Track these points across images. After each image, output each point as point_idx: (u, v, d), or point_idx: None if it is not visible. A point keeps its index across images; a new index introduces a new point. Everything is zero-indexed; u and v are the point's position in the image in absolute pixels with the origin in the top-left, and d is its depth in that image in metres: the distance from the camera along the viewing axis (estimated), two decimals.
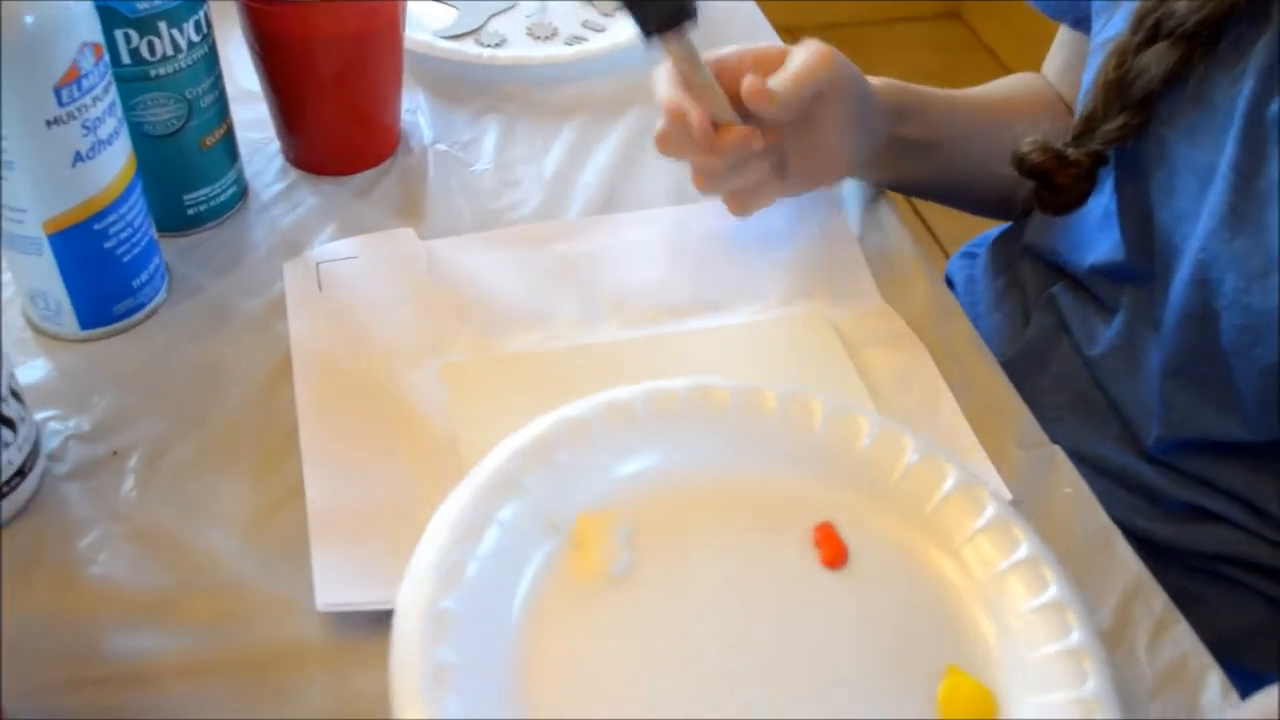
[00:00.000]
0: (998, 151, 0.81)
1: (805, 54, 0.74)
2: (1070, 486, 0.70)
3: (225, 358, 0.74)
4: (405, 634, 0.52)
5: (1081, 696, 0.54)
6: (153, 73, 0.73)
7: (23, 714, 0.57)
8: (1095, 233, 0.81)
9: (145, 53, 0.72)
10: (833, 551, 0.58)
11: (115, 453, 0.69)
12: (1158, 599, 0.65)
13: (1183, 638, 0.64)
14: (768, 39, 1.02)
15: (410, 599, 0.53)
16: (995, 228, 0.99)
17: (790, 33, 2.98)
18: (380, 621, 0.61)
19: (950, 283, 1.00)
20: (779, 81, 0.72)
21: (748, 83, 0.71)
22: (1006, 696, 0.55)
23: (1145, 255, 0.76)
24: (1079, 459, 0.78)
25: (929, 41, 2.67)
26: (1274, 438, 0.73)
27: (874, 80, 0.80)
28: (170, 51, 0.73)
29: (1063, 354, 0.84)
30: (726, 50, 0.76)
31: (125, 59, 0.72)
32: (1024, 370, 0.84)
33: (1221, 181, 0.69)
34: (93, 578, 0.63)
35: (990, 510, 0.60)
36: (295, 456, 0.68)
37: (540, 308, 0.77)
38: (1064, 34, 0.91)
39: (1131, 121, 0.74)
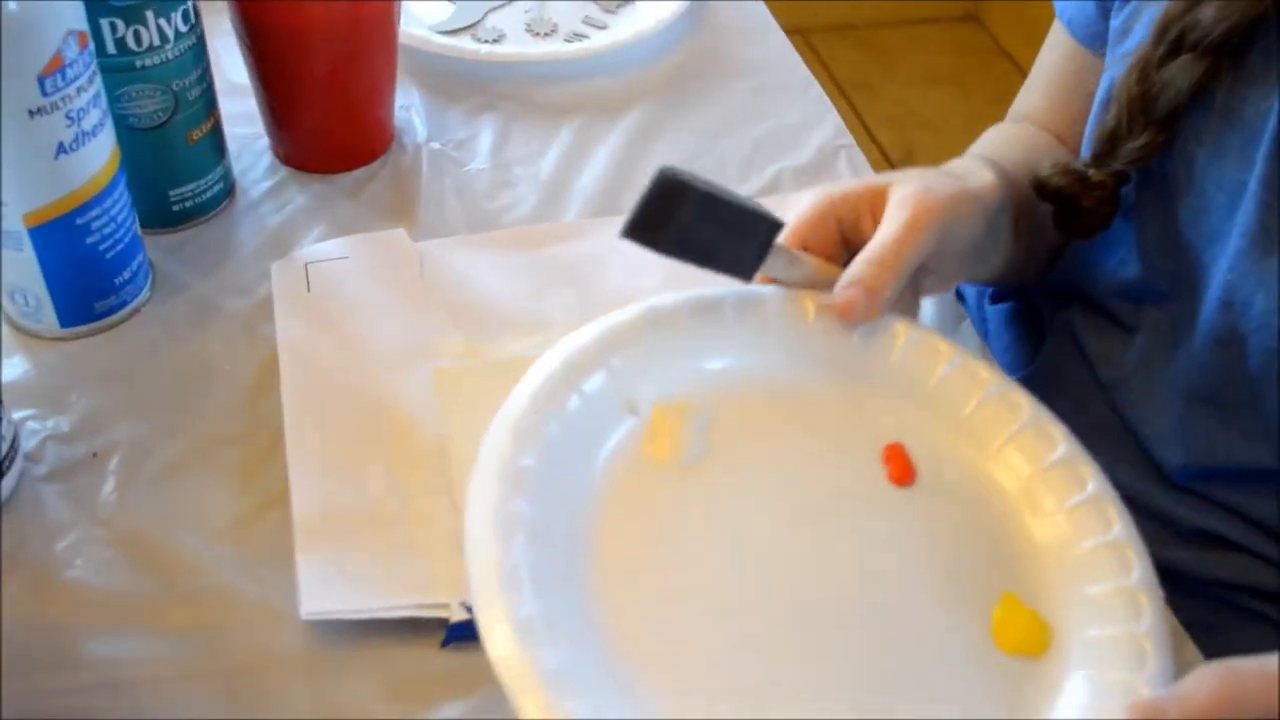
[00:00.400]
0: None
1: (901, 224, 0.62)
2: None
3: (210, 358, 0.72)
4: (482, 487, 0.52)
5: (1136, 632, 0.54)
6: (139, 63, 0.71)
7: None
8: (1112, 252, 0.78)
9: (131, 42, 0.70)
10: (900, 469, 0.59)
11: (95, 454, 0.67)
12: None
13: (1192, 659, 0.62)
14: (775, 39, 0.99)
15: (490, 454, 0.53)
16: None
17: (802, 34, 2.96)
18: (363, 630, 0.60)
19: (960, 296, 0.98)
20: (868, 285, 0.61)
21: (837, 302, 0.61)
22: (1061, 628, 0.55)
23: (1166, 276, 0.74)
24: None
25: (946, 44, 2.64)
26: None
27: (985, 178, 0.70)
28: (157, 41, 0.71)
29: (1078, 378, 0.82)
30: (814, 202, 0.65)
31: (110, 49, 0.70)
32: (1037, 392, 0.82)
33: (1251, 199, 0.67)
34: (70, 582, 0.61)
35: (1061, 449, 0.60)
36: (280, 461, 0.66)
37: (535, 312, 0.75)
38: (1056, 50, 0.87)
39: (1156, 139, 0.71)
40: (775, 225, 0.60)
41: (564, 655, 0.48)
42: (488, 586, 0.49)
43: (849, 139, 0.91)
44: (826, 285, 0.63)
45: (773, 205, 0.84)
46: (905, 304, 0.67)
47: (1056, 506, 0.59)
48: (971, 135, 0.85)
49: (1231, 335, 0.69)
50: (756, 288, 0.63)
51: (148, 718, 0.56)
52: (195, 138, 0.77)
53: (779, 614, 0.53)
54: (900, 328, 0.63)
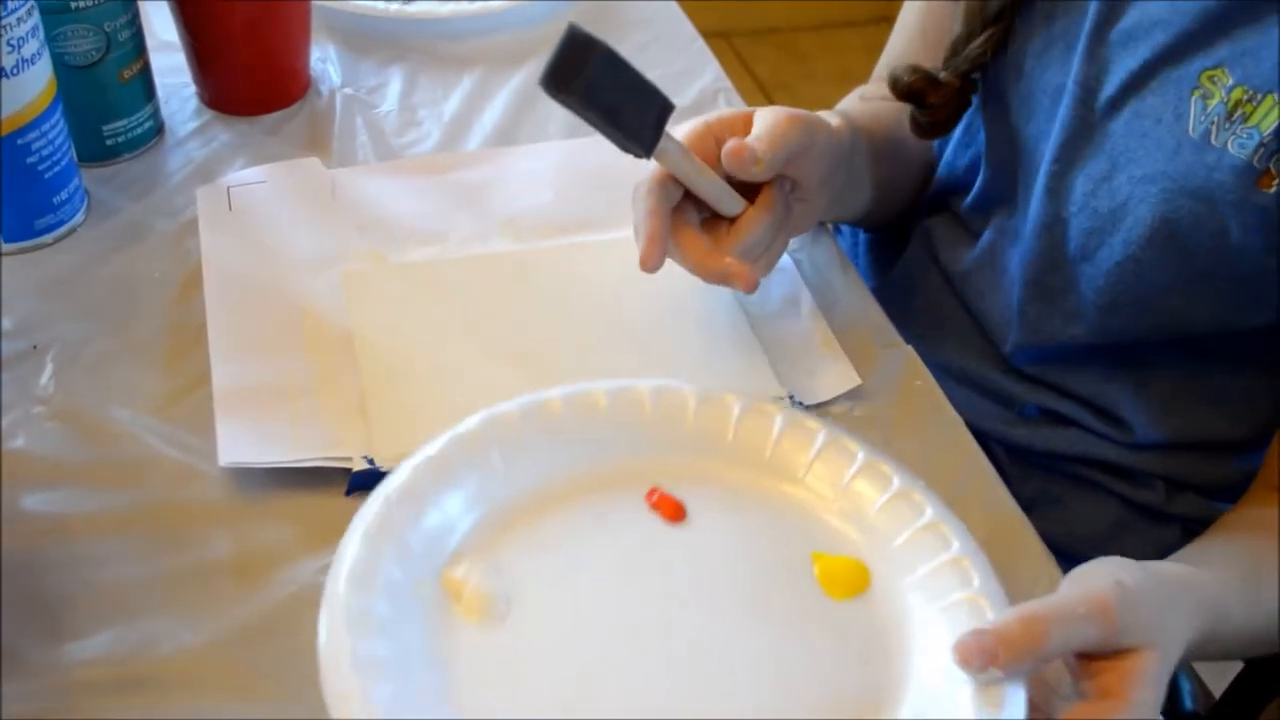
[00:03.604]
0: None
1: (773, 117, 0.71)
2: (920, 380, 0.78)
3: (141, 269, 0.80)
4: (335, 681, 0.52)
5: (949, 558, 0.59)
6: (73, 4, 0.79)
7: None
8: (967, 163, 0.88)
9: None
10: (669, 508, 0.62)
11: (35, 347, 0.74)
12: (991, 474, 0.73)
13: (1009, 510, 0.71)
14: (688, 40, 1.05)
15: (331, 652, 0.53)
16: None
17: (725, 38, 3.04)
18: (276, 484, 0.67)
19: (837, 227, 1.07)
20: (756, 142, 0.70)
21: (729, 146, 0.69)
22: (876, 571, 0.60)
23: (1008, 177, 0.84)
24: (944, 371, 0.85)
25: (860, 45, 2.74)
26: (1118, 340, 0.80)
27: (834, 121, 0.78)
28: None
29: (931, 281, 0.92)
30: (693, 125, 0.73)
31: None
32: (895, 295, 0.91)
33: (1069, 96, 0.77)
34: (13, 450, 0.69)
35: (821, 436, 0.64)
36: (204, 351, 0.74)
37: (436, 226, 0.83)
38: (913, 8, 0.95)
39: (991, 38, 0.81)
40: (669, 104, 0.68)
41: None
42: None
43: (727, 84, 1.00)
44: (708, 188, 0.71)
45: None
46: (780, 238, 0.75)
47: (838, 485, 0.62)
48: None
49: (1055, 220, 0.79)
50: (465, 426, 0.62)
51: (82, 558, 0.64)
52: (126, 76, 0.85)
53: (613, 671, 0.56)
54: (643, 390, 0.64)
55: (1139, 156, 0.74)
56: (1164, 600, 0.58)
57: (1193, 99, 0.71)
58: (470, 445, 0.60)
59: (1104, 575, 0.56)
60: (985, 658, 0.53)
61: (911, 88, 0.84)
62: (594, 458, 0.62)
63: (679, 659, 0.56)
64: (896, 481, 0.62)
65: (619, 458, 0.63)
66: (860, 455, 0.63)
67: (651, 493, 0.62)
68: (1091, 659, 0.55)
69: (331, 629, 0.53)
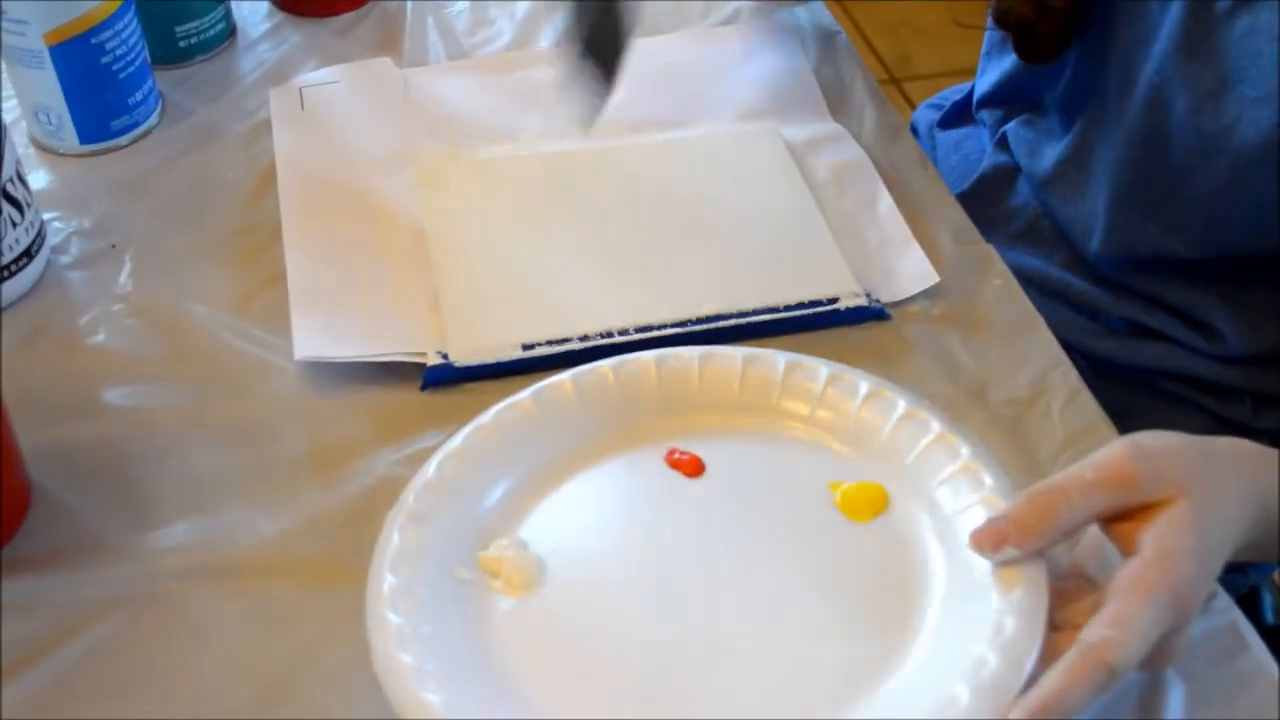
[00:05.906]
0: None
1: None
2: (1000, 279, 0.76)
3: (216, 169, 0.80)
4: (385, 657, 0.53)
5: (960, 465, 0.59)
6: None
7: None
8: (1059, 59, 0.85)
9: None
10: (690, 465, 0.63)
11: (114, 246, 0.75)
12: (1072, 373, 0.71)
13: (1091, 408, 0.69)
14: None
15: (383, 659, 0.54)
16: (962, 84, 1.04)
17: None
18: (351, 380, 0.68)
19: (915, 131, 1.05)
20: None
21: None
22: (893, 490, 0.61)
23: (1102, 78, 0.81)
24: (1028, 282, 0.83)
25: None
26: (1215, 254, 0.77)
27: None
28: None
29: (1016, 187, 0.89)
30: None
31: None
32: (978, 203, 0.89)
33: (1179, 5, 0.74)
34: (94, 346, 0.70)
35: (824, 372, 0.64)
36: (278, 249, 0.74)
37: (507, 125, 0.82)
38: None
39: None
40: None
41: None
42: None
43: None
44: None
45: (731, 33, 0.90)
46: None
47: (848, 413, 0.63)
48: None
49: (1155, 134, 0.76)
50: (484, 419, 0.62)
51: (165, 450, 0.65)
52: None
53: (654, 624, 0.57)
54: (649, 364, 0.65)
55: (1252, 76, 0.70)
56: (1202, 455, 0.56)
57: None
58: (491, 434, 0.62)
59: (1123, 440, 0.55)
60: (997, 539, 0.53)
61: (1023, 19, 0.80)
62: (612, 427, 0.64)
63: (717, 601, 0.58)
64: (901, 404, 0.62)
65: (634, 425, 0.64)
66: (863, 386, 0.63)
67: (671, 452, 0.63)
68: (1119, 520, 0.54)
69: (377, 614, 0.55)
